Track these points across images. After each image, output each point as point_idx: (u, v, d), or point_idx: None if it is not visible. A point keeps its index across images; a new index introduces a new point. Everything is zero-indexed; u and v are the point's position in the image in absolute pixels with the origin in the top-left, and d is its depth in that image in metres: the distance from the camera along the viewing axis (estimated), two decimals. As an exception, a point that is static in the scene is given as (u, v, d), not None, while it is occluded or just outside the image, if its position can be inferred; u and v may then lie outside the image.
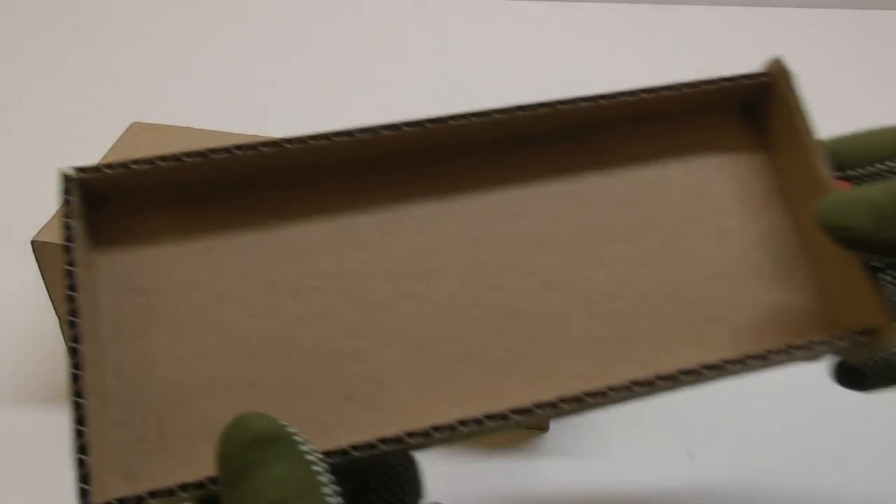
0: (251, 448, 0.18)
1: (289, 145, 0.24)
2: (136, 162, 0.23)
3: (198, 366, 0.23)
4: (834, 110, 0.70)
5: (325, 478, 0.19)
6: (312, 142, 0.24)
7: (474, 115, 0.25)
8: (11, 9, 0.76)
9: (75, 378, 0.21)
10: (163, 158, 0.23)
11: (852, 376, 0.27)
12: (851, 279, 0.25)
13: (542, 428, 0.40)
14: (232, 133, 0.43)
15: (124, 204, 0.24)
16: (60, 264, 0.35)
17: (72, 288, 0.21)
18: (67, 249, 0.22)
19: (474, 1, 0.83)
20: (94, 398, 0.22)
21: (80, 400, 0.21)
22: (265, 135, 0.43)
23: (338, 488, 0.19)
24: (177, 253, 0.24)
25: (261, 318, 0.24)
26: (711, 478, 0.39)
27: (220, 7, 0.79)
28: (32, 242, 0.35)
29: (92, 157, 0.41)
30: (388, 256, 0.25)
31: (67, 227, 0.22)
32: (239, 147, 0.23)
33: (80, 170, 0.23)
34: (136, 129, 0.43)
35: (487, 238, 0.26)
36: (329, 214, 0.25)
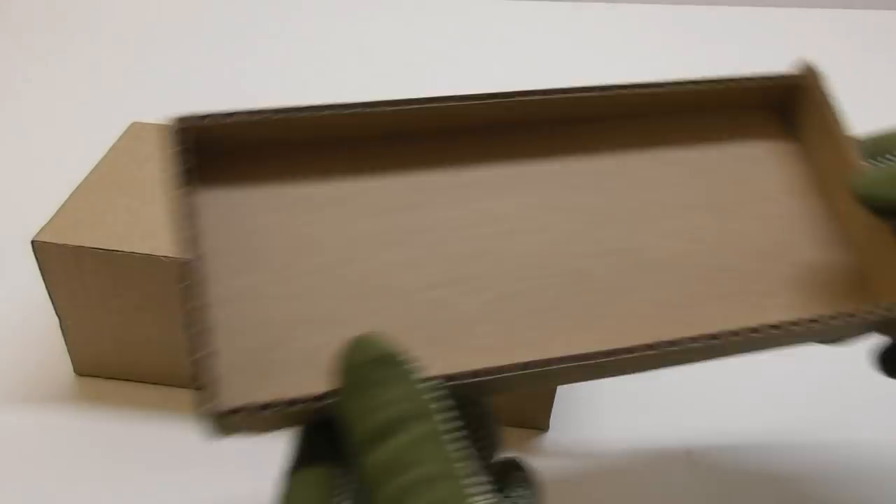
0: (373, 366, 0.20)
1: (384, 107, 0.26)
2: (243, 113, 0.25)
3: (294, 305, 0.24)
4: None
5: (436, 404, 0.20)
6: (403, 106, 0.26)
7: (541, 91, 0.27)
8: (11, 8, 0.76)
9: (191, 291, 0.22)
10: (263, 111, 0.25)
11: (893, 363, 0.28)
12: (887, 259, 0.27)
13: (541, 428, 0.40)
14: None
15: (227, 151, 0.26)
16: (61, 263, 0.35)
17: (183, 228, 0.23)
18: (177, 194, 0.23)
19: (475, 1, 0.83)
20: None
21: (198, 305, 0.22)
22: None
23: (448, 414, 0.20)
24: (278, 198, 0.26)
25: (350, 266, 0.25)
26: (711, 477, 0.39)
27: (221, 7, 0.79)
28: (33, 242, 0.35)
29: (91, 157, 0.41)
30: (464, 217, 0.27)
31: (176, 173, 0.23)
32: (343, 105, 0.25)
33: (183, 119, 0.24)
34: (137, 129, 0.43)
35: (554, 206, 0.28)
36: (409, 173, 0.27)
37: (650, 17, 0.82)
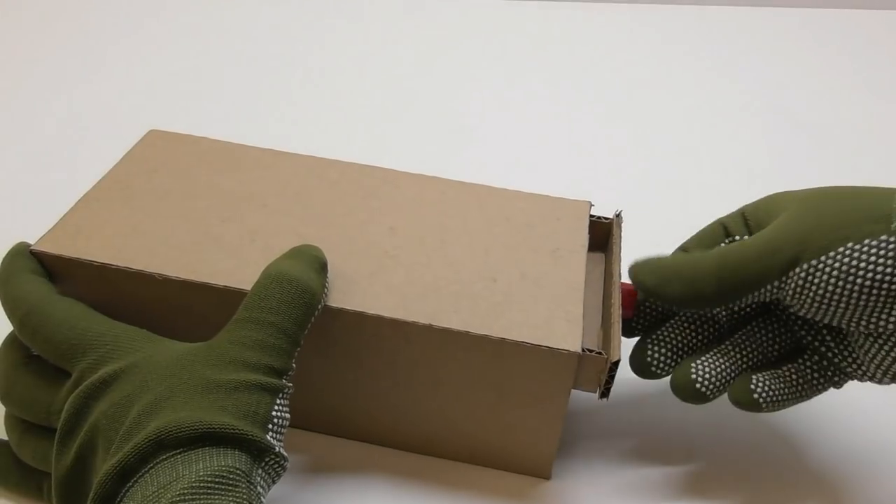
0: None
1: None
2: None
3: None
4: (831, 110, 0.66)
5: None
6: None
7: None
8: (32, 14, 0.77)
9: None
10: None
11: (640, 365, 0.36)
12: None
13: (544, 475, 0.37)
14: (247, 146, 0.42)
15: None
16: (58, 274, 0.35)
17: None
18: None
19: (475, 1, 0.82)
20: None
21: None
22: (281, 148, 0.42)
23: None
24: None
25: None
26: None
27: (242, 19, 0.79)
28: (31, 251, 0.35)
29: (108, 163, 0.40)
30: None
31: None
32: None
33: None
34: (153, 137, 0.42)
35: None
36: None
37: (650, 17, 0.81)
